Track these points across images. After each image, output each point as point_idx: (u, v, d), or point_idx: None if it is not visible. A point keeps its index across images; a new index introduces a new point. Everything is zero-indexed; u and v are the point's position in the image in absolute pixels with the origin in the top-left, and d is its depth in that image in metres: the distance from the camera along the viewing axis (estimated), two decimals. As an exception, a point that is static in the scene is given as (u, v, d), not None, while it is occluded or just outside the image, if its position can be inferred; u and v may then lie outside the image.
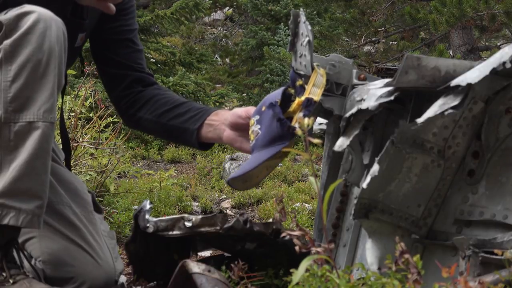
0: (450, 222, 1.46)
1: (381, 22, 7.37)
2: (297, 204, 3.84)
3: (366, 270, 1.19)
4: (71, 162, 2.84)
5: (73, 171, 3.01)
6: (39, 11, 1.46)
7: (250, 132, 1.65)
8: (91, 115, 3.84)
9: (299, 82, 1.56)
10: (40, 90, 1.45)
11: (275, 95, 1.61)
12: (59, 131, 2.04)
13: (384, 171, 1.34)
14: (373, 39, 7.77)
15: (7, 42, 1.44)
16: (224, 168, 5.22)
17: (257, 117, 1.63)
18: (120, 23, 1.91)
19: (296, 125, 1.55)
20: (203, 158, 5.72)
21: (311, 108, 1.50)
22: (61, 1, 1.69)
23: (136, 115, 1.89)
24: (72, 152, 3.19)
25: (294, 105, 1.54)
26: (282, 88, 1.61)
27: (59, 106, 2.06)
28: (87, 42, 1.96)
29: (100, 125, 3.54)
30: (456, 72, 1.32)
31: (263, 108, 1.61)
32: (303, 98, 1.49)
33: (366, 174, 1.43)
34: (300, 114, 1.51)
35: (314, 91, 1.49)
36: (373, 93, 1.43)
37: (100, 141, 3.45)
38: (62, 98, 2.04)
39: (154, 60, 7.70)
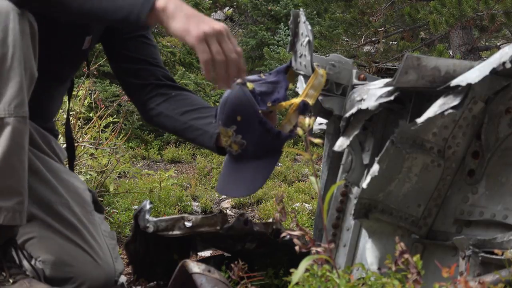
0: (450, 222, 1.46)
1: (381, 22, 7.37)
2: (297, 204, 3.83)
3: (366, 270, 1.19)
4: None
5: (73, 171, 3.00)
6: None
7: (229, 141, 1.59)
8: (91, 115, 3.84)
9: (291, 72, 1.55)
10: (7, 85, 1.41)
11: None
12: (64, 132, 2.02)
13: (384, 171, 1.34)
14: (373, 39, 7.77)
15: None
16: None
17: (234, 127, 1.55)
18: None
19: (288, 128, 1.54)
20: (203, 158, 5.72)
21: (306, 112, 1.49)
22: None
23: (156, 110, 1.85)
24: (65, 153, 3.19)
25: (288, 103, 1.53)
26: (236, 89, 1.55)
27: (66, 110, 2.05)
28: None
29: (100, 125, 3.53)
30: (456, 72, 1.32)
31: (239, 118, 1.54)
32: (298, 100, 1.48)
33: (366, 174, 1.44)
34: (294, 118, 1.50)
35: (311, 94, 1.48)
36: (373, 93, 1.43)
37: (100, 141, 3.45)
38: (69, 102, 2.03)
39: (154, 60, 7.69)
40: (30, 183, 1.54)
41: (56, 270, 1.64)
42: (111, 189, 3.27)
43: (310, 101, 1.49)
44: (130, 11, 1.40)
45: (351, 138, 1.43)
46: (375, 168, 1.31)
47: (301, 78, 1.59)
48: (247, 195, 1.59)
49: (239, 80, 1.53)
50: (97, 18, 1.47)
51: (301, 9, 1.62)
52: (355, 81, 1.57)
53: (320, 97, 1.57)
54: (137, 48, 1.90)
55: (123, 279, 1.81)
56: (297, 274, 0.96)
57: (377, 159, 1.33)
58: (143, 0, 1.40)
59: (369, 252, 1.45)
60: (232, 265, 1.31)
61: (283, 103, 1.53)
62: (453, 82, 1.28)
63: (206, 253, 2.33)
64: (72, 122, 3.38)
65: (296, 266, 0.99)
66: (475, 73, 1.26)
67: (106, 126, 4.00)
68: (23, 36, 1.43)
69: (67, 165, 1.97)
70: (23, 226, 1.53)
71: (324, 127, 1.77)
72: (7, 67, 1.41)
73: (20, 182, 1.46)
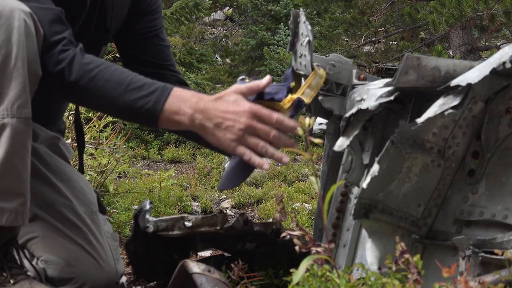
0: (450, 222, 1.46)
1: (381, 22, 7.37)
2: (297, 204, 3.84)
3: (366, 270, 1.19)
4: (71, 162, 2.84)
5: (73, 171, 3.01)
6: (3, 4, 1.39)
7: None
8: (90, 115, 3.84)
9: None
10: (11, 85, 1.39)
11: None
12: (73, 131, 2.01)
13: (384, 171, 1.34)
14: (373, 39, 7.77)
15: None
16: (224, 168, 5.22)
17: None
18: (146, 24, 1.90)
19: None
20: (203, 158, 5.72)
21: (300, 110, 1.48)
22: (85, 18, 1.69)
23: None
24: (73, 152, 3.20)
25: (285, 100, 1.52)
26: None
27: (74, 109, 2.04)
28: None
29: (100, 125, 3.54)
30: (456, 72, 1.32)
31: None
32: (295, 96, 1.48)
33: (366, 174, 1.44)
34: (288, 114, 1.48)
35: (307, 93, 1.47)
36: (373, 93, 1.43)
37: (100, 141, 3.45)
38: None
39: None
40: (33, 183, 1.54)
41: (57, 270, 1.64)
42: (111, 189, 3.28)
43: (306, 100, 1.49)
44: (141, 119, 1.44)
45: (351, 138, 1.43)
46: (375, 168, 1.31)
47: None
48: (224, 189, 1.56)
49: (242, 76, 1.53)
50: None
51: (301, 9, 1.62)
52: (355, 81, 1.57)
53: (320, 97, 1.56)
54: (151, 51, 1.89)
55: (123, 279, 1.81)
56: (297, 274, 0.96)
57: (377, 159, 1.33)
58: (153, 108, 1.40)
59: (369, 252, 1.45)
60: (232, 265, 1.31)
61: (281, 103, 1.51)
62: (453, 82, 1.28)
63: (206, 253, 2.33)
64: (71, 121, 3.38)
65: (296, 266, 0.99)
66: (475, 73, 1.26)
67: (106, 126, 4.00)
68: (28, 36, 1.41)
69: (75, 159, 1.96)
70: (26, 225, 1.53)
71: (324, 127, 1.77)
72: (11, 66, 1.39)
73: (22, 183, 1.45)
